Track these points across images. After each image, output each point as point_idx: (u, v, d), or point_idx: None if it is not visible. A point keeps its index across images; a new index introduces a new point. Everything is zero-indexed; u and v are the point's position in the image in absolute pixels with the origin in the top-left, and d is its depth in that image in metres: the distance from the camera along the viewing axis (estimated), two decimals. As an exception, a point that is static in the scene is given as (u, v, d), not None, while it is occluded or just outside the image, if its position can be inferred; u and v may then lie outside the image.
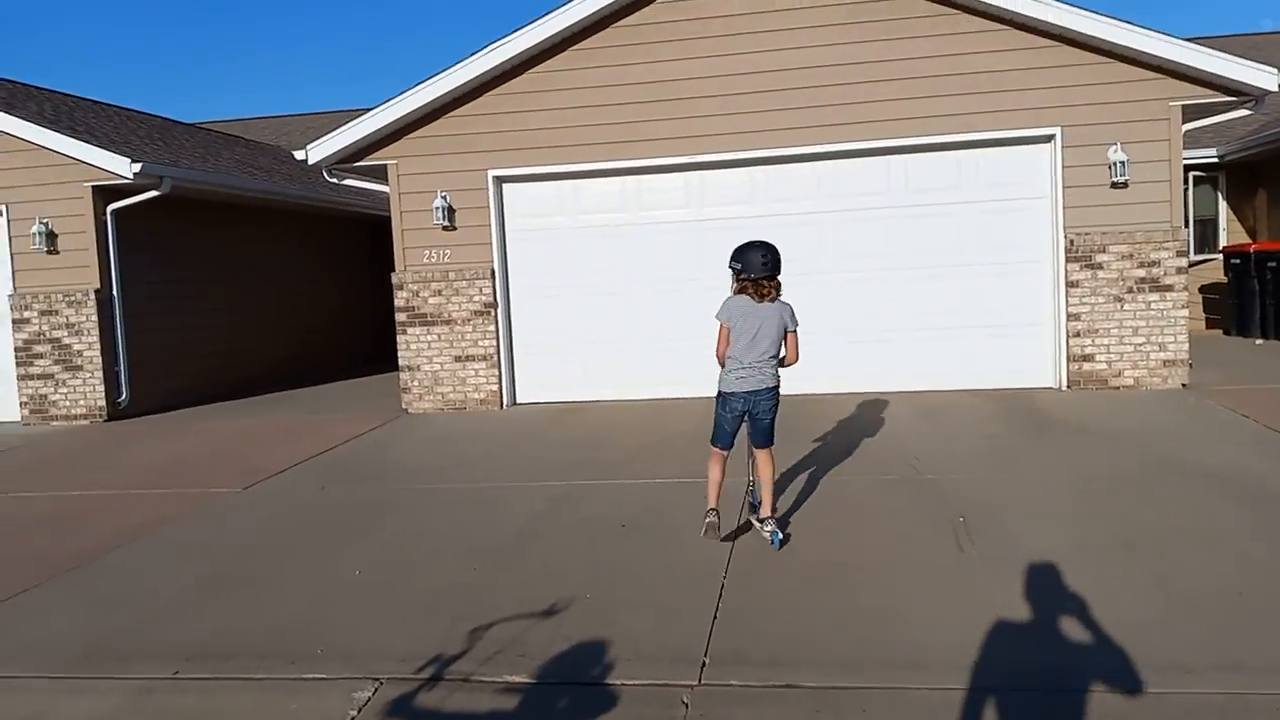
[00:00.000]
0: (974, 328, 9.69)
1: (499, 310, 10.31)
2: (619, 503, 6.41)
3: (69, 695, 4.08)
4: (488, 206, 10.28)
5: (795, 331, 5.43)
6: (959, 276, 9.71)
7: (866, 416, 8.78)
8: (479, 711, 3.74)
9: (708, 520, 5.35)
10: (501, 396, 10.34)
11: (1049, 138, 9.40)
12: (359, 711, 3.77)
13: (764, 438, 5.47)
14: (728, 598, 4.62)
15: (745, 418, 5.42)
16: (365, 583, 5.22)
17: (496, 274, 10.29)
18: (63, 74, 60.91)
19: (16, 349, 10.86)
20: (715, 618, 4.39)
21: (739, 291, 5.34)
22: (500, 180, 10.34)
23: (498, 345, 10.30)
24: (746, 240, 5.47)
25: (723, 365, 5.41)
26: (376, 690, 3.92)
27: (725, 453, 5.48)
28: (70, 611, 5.05)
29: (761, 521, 5.48)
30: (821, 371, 9.84)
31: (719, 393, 5.42)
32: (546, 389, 10.47)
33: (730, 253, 5.42)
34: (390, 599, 4.95)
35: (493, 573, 5.25)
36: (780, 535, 5.40)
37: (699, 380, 9.93)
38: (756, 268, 5.28)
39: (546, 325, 10.45)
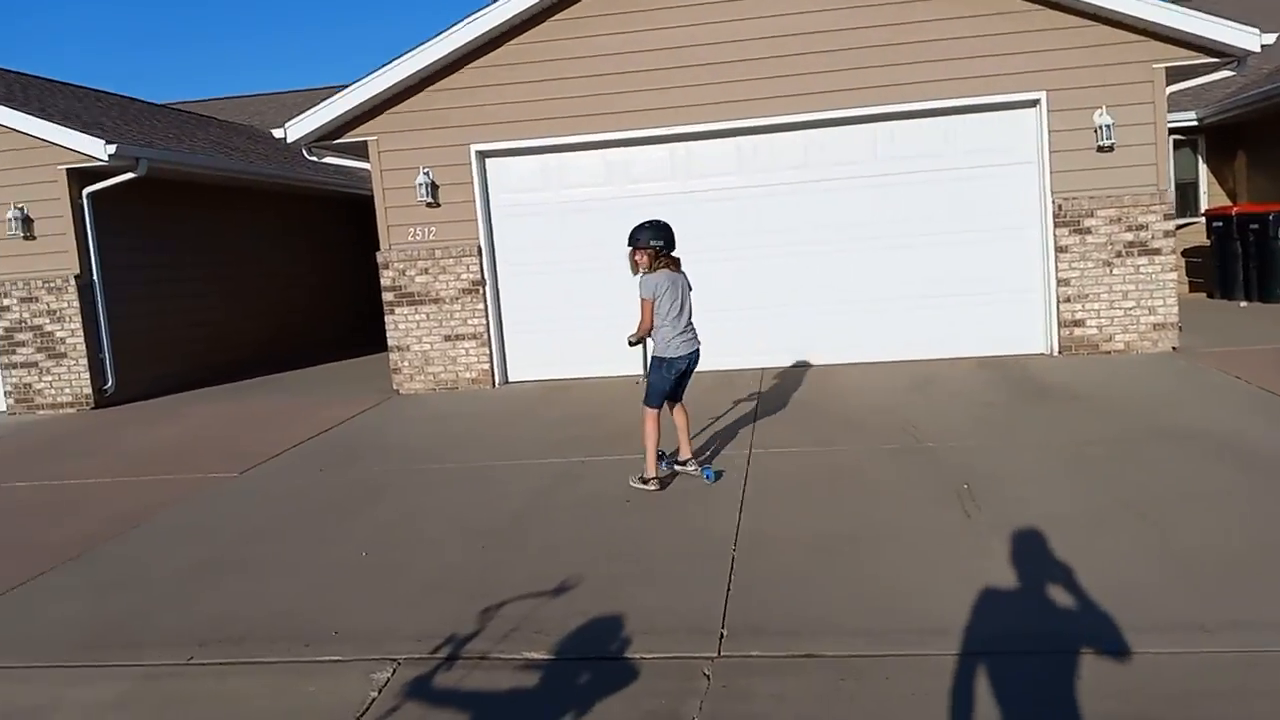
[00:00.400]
0: (964, 295, 9.71)
1: (487, 288, 10.23)
2: (618, 479, 6.38)
3: (79, 683, 4.04)
4: (471, 182, 10.17)
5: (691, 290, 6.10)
6: (948, 244, 9.71)
7: (860, 386, 8.81)
8: (499, 689, 3.72)
9: (651, 488, 5.96)
10: (493, 375, 10.28)
11: (1034, 102, 9.39)
12: (379, 692, 3.75)
13: (683, 392, 6.20)
14: (739, 570, 4.62)
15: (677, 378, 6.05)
16: (373, 564, 5.19)
17: (483, 251, 10.21)
18: (27, 55, 59.66)
19: (-2, 338, 10.69)
20: (729, 590, 4.38)
21: (657, 268, 5.87)
22: (483, 155, 10.23)
23: (487, 323, 10.23)
24: (644, 221, 5.99)
25: (640, 338, 5.99)
26: (395, 671, 3.90)
27: (658, 411, 6.03)
28: (75, 599, 4.99)
29: (684, 464, 6.22)
30: (813, 342, 9.90)
31: (658, 359, 5.95)
32: (538, 366, 10.41)
33: (633, 231, 5.94)
34: (399, 579, 4.92)
35: (499, 551, 5.22)
36: (713, 470, 6.17)
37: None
38: (672, 243, 5.93)
39: (536, 302, 10.38)
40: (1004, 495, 5.46)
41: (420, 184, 10.07)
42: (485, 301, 10.21)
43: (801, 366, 9.76)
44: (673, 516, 5.57)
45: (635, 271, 5.96)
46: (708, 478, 6.09)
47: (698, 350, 5.99)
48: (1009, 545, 4.65)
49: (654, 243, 5.86)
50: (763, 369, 9.72)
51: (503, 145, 10.13)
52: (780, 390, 8.77)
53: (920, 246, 9.74)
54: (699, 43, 9.60)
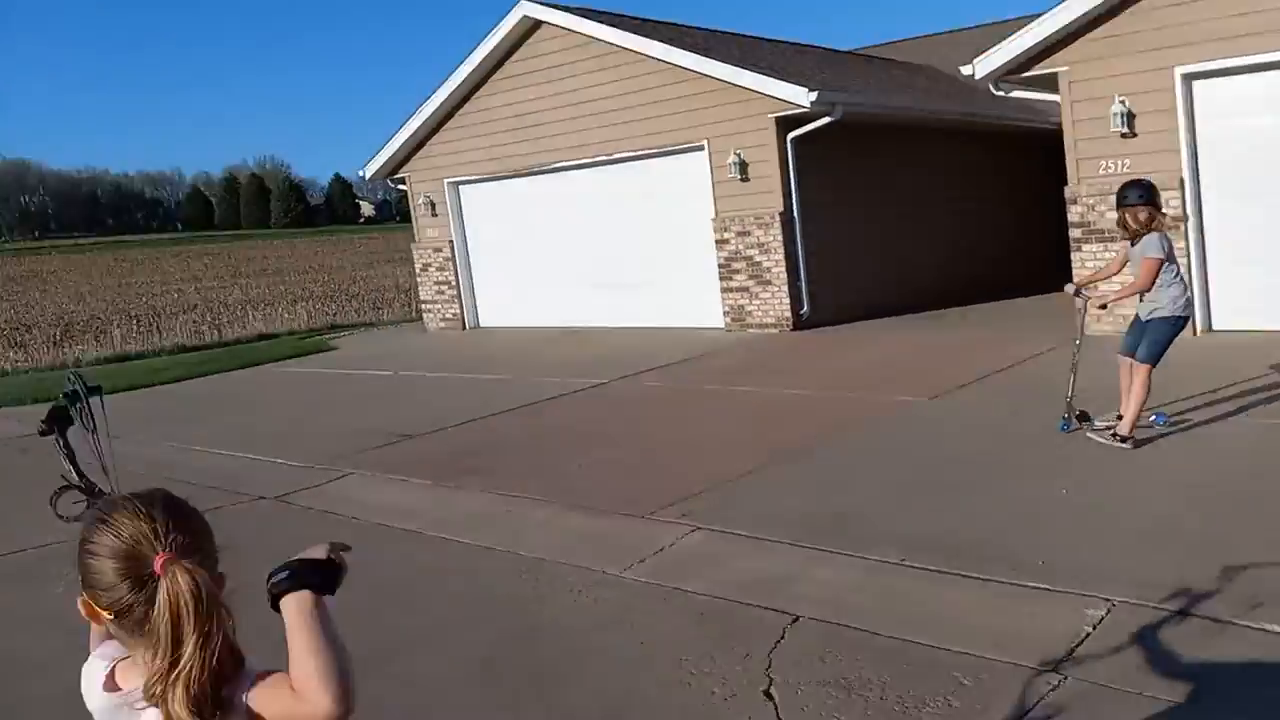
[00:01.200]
0: None
1: (1188, 224, 9.25)
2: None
3: (812, 563, 4.71)
4: (1173, 109, 9.20)
5: None
6: None
7: None
8: (1233, 660, 3.47)
9: (1127, 446, 5.82)
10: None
11: None
12: (1094, 628, 3.75)
13: None
14: None
15: None
16: (1072, 503, 5.16)
17: (1186, 184, 9.22)
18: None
19: (719, 265, 12.57)
20: None
21: (1156, 228, 5.75)
22: (1189, 78, 9.15)
23: (1189, 259, 9.23)
24: (1133, 179, 6.00)
25: (1131, 296, 5.96)
26: (1109, 611, 3.86)
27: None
28: (795, 492, 5.79)
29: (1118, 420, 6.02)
30: None
31: (1175, 318, 5.80)
32: (1248, 314, 9.17)
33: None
34: (1106, 524, 4.83)
35: (1230, 511, 4.82)
36: (1164, 414, 6.20)
37: None
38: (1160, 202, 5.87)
39: (1251, 237, 9.11)
40: None
41: (1115, 113, 9.41)
42: (1186, 238, 9.23)
43: None
44: None
45: (1126, 230, 5.86)
46: (1160, 421, 6.13)
47: None
48: None
49: (1156, 200, 5.82)
50: None
51: (1218, 64, 8.93)
52: None
53: None
54: None
